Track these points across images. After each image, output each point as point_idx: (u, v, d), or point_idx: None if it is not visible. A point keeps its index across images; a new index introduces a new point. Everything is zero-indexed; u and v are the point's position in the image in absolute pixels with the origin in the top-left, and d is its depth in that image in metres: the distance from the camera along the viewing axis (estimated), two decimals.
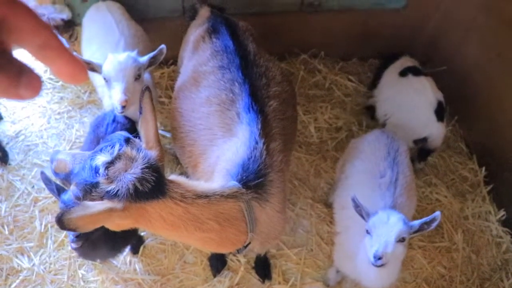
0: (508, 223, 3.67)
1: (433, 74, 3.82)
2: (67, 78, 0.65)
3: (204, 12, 3.08)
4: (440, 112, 3.49)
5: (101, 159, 1.49)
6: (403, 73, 3.72)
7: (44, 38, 0.58)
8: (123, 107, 2.61)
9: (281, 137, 2.25)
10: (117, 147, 1.52)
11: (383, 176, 2.75)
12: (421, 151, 3.71)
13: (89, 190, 1.46)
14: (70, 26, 3.63)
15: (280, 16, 4.13)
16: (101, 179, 1.46)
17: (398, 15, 4.24)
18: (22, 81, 0.56)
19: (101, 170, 1.47)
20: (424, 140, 3.58)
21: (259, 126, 2.10)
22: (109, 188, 1.46)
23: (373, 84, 4.06)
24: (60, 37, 0.61)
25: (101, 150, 1.52)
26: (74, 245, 2.19)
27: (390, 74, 3.84)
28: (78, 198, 1.48)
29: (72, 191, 1.50)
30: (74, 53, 0.64)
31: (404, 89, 3.67)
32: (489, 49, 3.80)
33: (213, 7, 3.16)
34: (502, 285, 3.36)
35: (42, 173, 2.38)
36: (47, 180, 2.34)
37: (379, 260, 2.19)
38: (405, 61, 3.84)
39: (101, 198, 1.46)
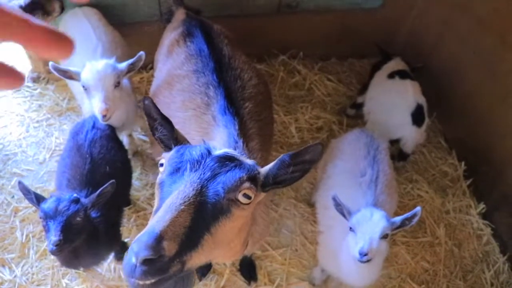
0: (488, 215, 3.73)
1: (412, 71, 3.87)
2: (57, 55, 0.66)
3: (179, 15, 3.08)
4: (417, 116, 3.52)
5: None
6: (391, 75, 3.77)
7: (28, 30, 0.59)
8: (104, 116, 2.59)
9: (258, 137, 2.26)
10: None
11: (363, 175, 2.77)
12: (400, 152, 3.75)
13: None
14: (34, 9, 3.28)
15: (258, 17, 4.14)
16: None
17: (375, 14, 4.29)
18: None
19: None
20: (397, 141, 3.64)
21: (236, 127, 2.10)
22: None
23: (365, 85, 4.08)
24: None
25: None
26: (54, 250, 2.16)
27: (380, 76, 3.90)
28: None
29: None
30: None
31: (388, 90, 3.71)
32: (464, 46, 3.87)
33: (189, 9, 3.16)
34: (484, 276, 3.42)
35: (20, 183, 2.36)
36: (25, 190, 2.32)
37: (364, 256, 2.21)
38: (396, 64, 3.88)
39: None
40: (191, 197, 1.36)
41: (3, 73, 0.56)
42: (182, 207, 1.32)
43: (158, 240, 1.21)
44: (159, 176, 1.54)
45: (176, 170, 1.47)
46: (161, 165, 1.54)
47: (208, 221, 1.40)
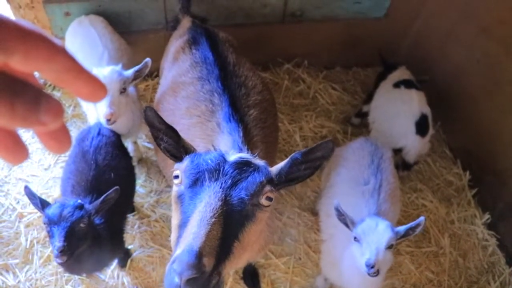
0: (493, 226, 3.71)
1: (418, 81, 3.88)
2: (87, 97, 0.64)
3: (185, 23, 3.11)
4: (421, 125, 3.51)
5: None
6: (397, 84, 3.78)
7: (60, 63, 0.58)
8: (109, 120, 2.62)
9: (262, 144, 2.26)
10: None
11: (367, 183, 2.77)
12: (404, 161, 3.75)
13: None
14: None
15: (263, 26, 4.16)
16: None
17: (379, 24, 4.30)
18: (42, 106, 0.54)
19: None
20: (400, 150, 3.62)
21: (241, 134, 2.10)
22: None
23: (370, 94, 4.08)
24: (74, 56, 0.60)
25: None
26: (58, 260, 2.16)
27: (385, 85, 3.90)
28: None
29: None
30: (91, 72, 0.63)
31: (393, 99, 3.71)
32: (468, 55, 3.87)
33: (195, 17, 3.18)
34: None
35: (26, 187, 2.37)
36: (31, 195, 2.33)
37: (372, 268, 2.18)
38: (401, 73, 3.89)
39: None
40: (218, 208, 1.38)
41: (43, 103, 0.55)
42: (213, 219, 1.34)
43: (199, 257, 1.24)
44: (176, 188, 1.55)
45: (195, 182, 1.48)
46: (176, 177, 1.54)
47: (236, 229, 1.43)
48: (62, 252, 2.13)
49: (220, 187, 1.43)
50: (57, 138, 0.63)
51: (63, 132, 0.63)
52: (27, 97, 0.53)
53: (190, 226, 1.35)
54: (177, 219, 1.48)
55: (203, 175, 1.47)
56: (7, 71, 0.53)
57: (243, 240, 1.45)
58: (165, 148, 1.65)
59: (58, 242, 2.13)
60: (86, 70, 0.61)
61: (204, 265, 1.25)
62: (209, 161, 1.50)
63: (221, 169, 1.48)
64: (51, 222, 2.19)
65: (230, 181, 1.45)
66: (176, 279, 1.21)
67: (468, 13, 3.79)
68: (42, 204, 2.30)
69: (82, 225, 2.24)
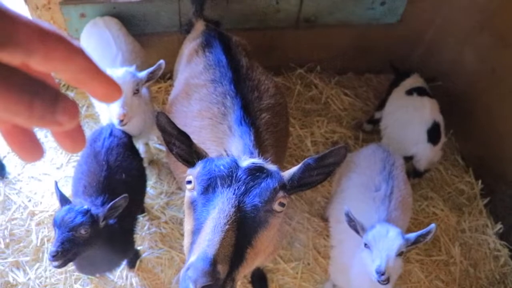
0: (506, 236, 3.66)
1: (427, 81, 3.87)
2: (102, 98, 0.65)
3: (199, 26, 3.13)
4: (432, 133, 3.49)
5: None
6: (410, 92, 3.76)
7: (77, 64, 0.58)
8: (121, 121, 2.63)
9: (272, 148, 2.26)
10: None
11: (378, 189, 2.75)
12: (414, 169, 3.72)
13: None
14: None
15: (276, 31, 4.17)
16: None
17: (392, 30, 4.28)
18: (59, 106, 0.55)
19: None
20: (411, 158, 3.60)
21: (252, 138, 2.09)
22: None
23: (383, 101, 4.07)
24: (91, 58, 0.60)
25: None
26: (53, 264, 2.16)
27: (398, 91, 3.89)
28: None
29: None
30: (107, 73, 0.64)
31: (405, 106, 3.70)
32: (483, 63, 3.84)
33: (208, 21, 3.20)
34: None
35: (55, 182, 2.43)
36: (56, 189, 2.38)
37: (382, 276, 2.17)
38: (414, 81, 3.88)
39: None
40: (232, 214, 1.38)
41: (60, 103, 0.56)
42: (227, 226, 1.34)
43: (213, 264, 1.24)
44: (188, 194, 1.55)
45: (208, 188, 1.48)
46: (189, 182, 1.55)
47: (250, 235, 1.43)
48: (55, 257, 2.11)
49: (234, 194, 1.43)
50: (72, 137, 0.64)
51: (78, 132, 0.64)
52: (45, 97, 0.54)
53: (204, 233, 1.35)
54: (190, 224, 1.49)
55: (215, 181, 1.47)
56: (26, 71, 0.54)
57: (256, 246, 1.45)
58: (177, 153, 1.66)
59: (53, 247, 2.12)
60: (102, 71, 0.62)
61: (219, 272, 1.25)
62: (222, 167, 1.50)
63: (234, 175, 1.48)
64: (55, 225, 2.20)
65: (243, 187, 1.45)
66: (191, 286, 1.22)
67: (484, 22, 3.76)
68: (61, 201, 2.32)
69: (82, 231, 2.20)
